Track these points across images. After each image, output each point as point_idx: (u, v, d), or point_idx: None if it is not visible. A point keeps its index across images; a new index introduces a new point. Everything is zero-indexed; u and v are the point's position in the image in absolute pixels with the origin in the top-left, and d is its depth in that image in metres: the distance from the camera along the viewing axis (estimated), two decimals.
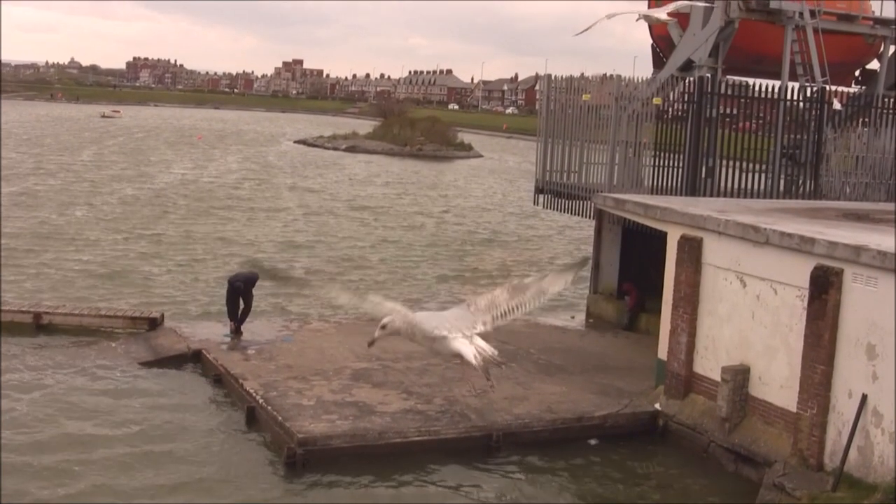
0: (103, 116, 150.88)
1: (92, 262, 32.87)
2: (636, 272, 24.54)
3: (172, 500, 14.59)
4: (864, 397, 14.54)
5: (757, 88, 24.43)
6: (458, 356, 7.87)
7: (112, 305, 25.26)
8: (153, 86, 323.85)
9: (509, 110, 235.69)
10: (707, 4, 23.40)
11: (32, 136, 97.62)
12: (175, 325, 22.89)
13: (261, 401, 17.38)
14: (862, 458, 14.56)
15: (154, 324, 22.73)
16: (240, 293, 22.10)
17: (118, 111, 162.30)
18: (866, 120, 25.53)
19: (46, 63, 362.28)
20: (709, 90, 23.24)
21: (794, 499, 14.28)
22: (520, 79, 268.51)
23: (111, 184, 58.89)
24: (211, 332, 22.17)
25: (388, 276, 33.41)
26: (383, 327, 8.07)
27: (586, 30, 22.05)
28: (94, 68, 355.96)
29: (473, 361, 7.50)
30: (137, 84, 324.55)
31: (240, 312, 22.09)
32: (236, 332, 21.94)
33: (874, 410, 14.46)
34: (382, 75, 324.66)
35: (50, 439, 16.38)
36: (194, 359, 20.72)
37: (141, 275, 31.11)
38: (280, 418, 16.48)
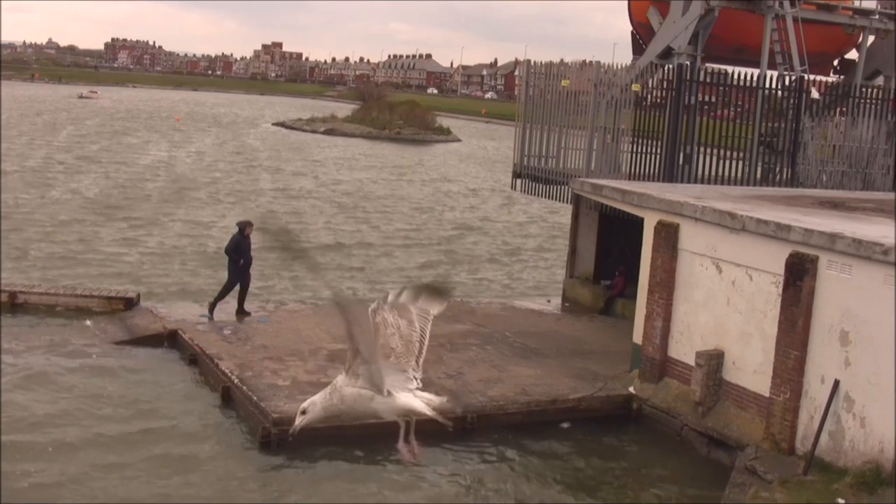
0: (80, 97, 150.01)
1: (68, 242, 32.75)
2: (617, 258, 24.60)
3: (146, 481, 14.57)
4: (837, 383, 14.67)
5: (736, 77, 24.53)
6: (410, 412, 6.83)
7: (88, 285, 25.15)
8: (131, 67, 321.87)
9: (488, 95, 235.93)
10: None
11: (11, 118, 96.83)
12: (151, 305, 22.82)
13: (236, 381, 17.37)
14: (833, 443, 14.71)
15: (130, 304, 22.66)
16: (247, 253, 22.03)
17: (95, 92, 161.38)
18: (844, 109, 25.63)
19: (24, 43, 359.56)
20: (688, 78, 23.30)
21: (766, 482, 14.39)
22: (499, 64, 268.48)
23: (88, 165, 58.62)
24: (187, 313, 22.09)
25: (364, 262, 33.43)
26: (303, 412, 6.74)
27: None
28: (71, 49, 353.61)
29: (428, 412, 6.74)
30: (115, 65, 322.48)
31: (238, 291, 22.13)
32: (240, 311, 22.03)
33: (846, 396, 14.60)
34: (362, 59, 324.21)
35: (23, 419, 16.29)
36: (170, 339, 20.65)
37: (117, 256, 31.02)
38: (255, 398, 16.48)
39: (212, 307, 21.87)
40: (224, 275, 22.64)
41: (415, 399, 6.60)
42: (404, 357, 6.78)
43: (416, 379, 6.78)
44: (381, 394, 6.56)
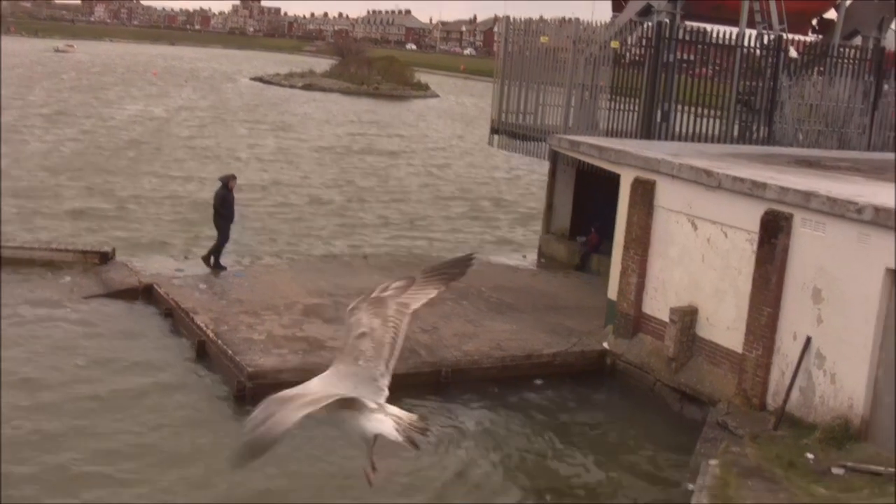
0: (56, 51, 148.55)
1: (43, 196, 32.54)
2: (593, 214, 24.64)
3: (121, 435, 14.57)
4: (809, 340, 14.79)
5: (714, 35, 24.50)
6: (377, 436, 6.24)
7: (64, 239, 25.03)
8: (108, 21, 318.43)
9: (467, 51, 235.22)
10: None
11: None
12: (126, 260, 22.72)
13: (211, 335, 17.37)
14: (804, 399, 14.85)
15: (105, 258, 22.54)
16: (230, 207, 22.02)
17: (72, 45, 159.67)
18: (821, 69, 25.68)
19: None
20: (667, 35, 23.26)
21: (737, 437, 14.53)
22: (478, 20, 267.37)
23: (64, 119, 58.13)
24: (162, 267, 22.05)
25: (343, 217, 33.40)
26: None
27: None
28: (48, 2, 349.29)
29: (399, 438, 6.12)
30: (92, 19, 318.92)
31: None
32: (216, 265, 22.03)
33: (817, 353, 14.72)
34: (340, 14, 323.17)
35: None
36: (146, 293, 20.60)
37: (93, 210, 30.85)
38: (230, 352, 16.49)
39: (206, 260, 21.96)
40: (204, 230, 22.53)
41: (385, 421, 6.08)
42: (373, 361, 6.21)
43: (385, 389, 6.18)
44: (360, 413, 6.19)
